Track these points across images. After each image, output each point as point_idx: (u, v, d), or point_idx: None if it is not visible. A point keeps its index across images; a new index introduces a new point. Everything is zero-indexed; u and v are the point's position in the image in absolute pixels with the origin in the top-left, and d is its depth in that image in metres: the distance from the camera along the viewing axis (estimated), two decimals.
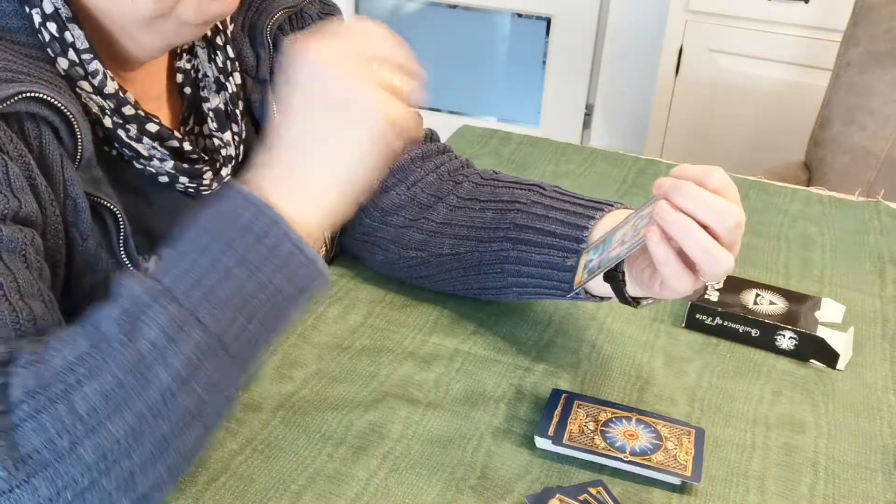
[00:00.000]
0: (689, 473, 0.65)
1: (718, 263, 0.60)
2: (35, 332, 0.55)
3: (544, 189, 0.81)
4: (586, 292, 0.74)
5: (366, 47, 0.59)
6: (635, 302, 0.71)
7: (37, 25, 0.64)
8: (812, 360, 0.82)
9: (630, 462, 0.65)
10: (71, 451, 0.49)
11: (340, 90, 0.56)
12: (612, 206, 0.76)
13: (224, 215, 0.55)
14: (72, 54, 0.65)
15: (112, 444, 0.50)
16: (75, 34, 0.65)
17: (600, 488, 0.63)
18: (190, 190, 0.74)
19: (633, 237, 0.64)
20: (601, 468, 0.66)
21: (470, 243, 0.81)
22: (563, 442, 0.67)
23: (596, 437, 0.68)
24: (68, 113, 0.62)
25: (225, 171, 0.77)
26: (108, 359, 0.51)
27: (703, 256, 0.60)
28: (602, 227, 0.73)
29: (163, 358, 0.51)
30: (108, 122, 0.68)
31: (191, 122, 0.78)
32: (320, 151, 0.57)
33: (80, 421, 0.50)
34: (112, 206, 0.66)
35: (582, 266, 0.70)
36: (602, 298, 0.74)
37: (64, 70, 0.65)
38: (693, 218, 0.60)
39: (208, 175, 0.75)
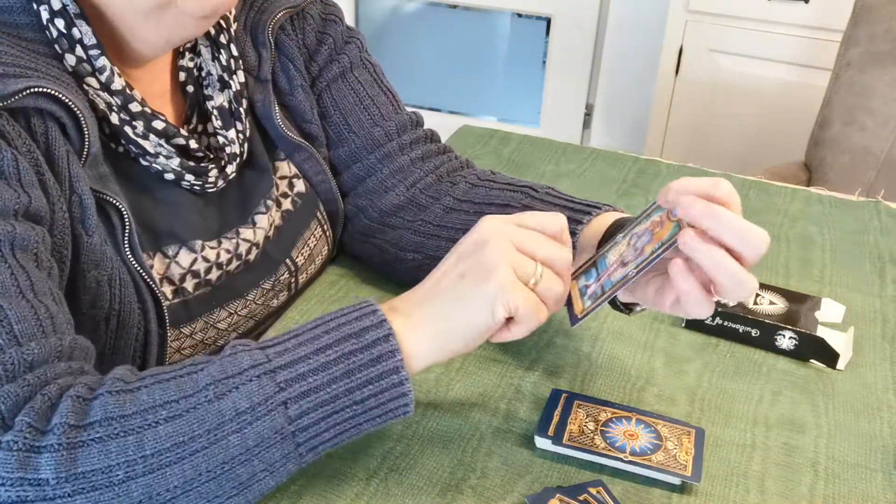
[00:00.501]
0: (689, 473, 0.65)
1: (745, 287, 0.59)
2: (53, 329, 0.56)
3: (536, 191, 0.81)
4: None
5: (534, 240, 0.61)
6: (627, 309, 0.71)
7: (44, 22, 0.64)
8: (812, 360, 0.82)
9: (630, 462, 0.65)
10: (122, 483, 0.51)
11: (480, 255, 0.60)
12: (600, 208, 0.76)
13: (352, 325, 0.58)
14: (79, 50, 0.65)
15: (162, 490, 0.52)
16: (83, 30, 0.65)
17: (600, 488, 0.63)
18: (195, 188, 0.75)
19: (636, 256, 0.62)
20: (601, 468, 0.66)
21: None
22: (564, 442, 0.67)
23: (596, 437, 0.68)
24: (76, 108, 0.62)
25: (230, 169, 0.77)
26: (192, 410, 0.53)
27: (731, 283, 0.58)
28: (592, 230, 0.73)
29: (240, 428, 0.53)
30: (114, 118, 0.68)
31: (194, 120, 0.78)
32: (440, 303, 0.60)
33: (143, 459, 0.51)
34: (117, 203, 0.67)
35: (577, 293, 0.67)
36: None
37: (71, 66, 0.66)
38: (721, 244, 0.58)
39: (213, 173, 0.75)
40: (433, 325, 0.59)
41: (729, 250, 0.58)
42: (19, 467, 0.50)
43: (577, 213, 0.75)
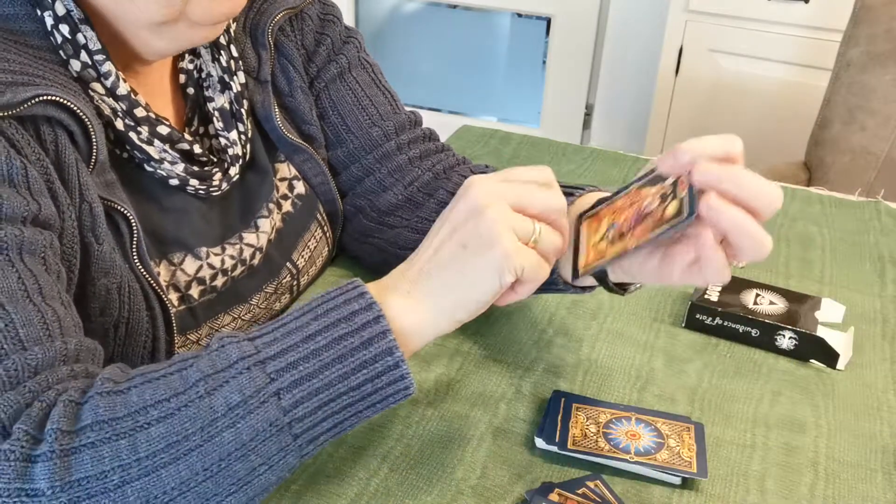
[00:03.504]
0: (694, 470, 0.65)
1: (765, 247, 0.57)
2: (60, 332, 0.56)
3: None
4: (570, 284, 0.73)
5: (527, 196, 0.59)
6: (621, 289, 0.70)
7: (49, 28, 0.64)
8: (812, 360, 0.82)
9: (636, 463, 0.65)
10: (118, 488, 0.50)
11: (478, 223, 0.57)
12: (583, 189, 0.74)
13: (340, 310, 0.56)
14: (84, 56, 0.65)
15: (158, 493, 0.51)
16: (88, 35, 0.65)
17: (598, 482, 0.63)
18: (200, 192, 0.75)
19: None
20: (602, 468, 0.66)
21: None
22: (568, 447, 0.67)
23: (599, 439, 0.68)
24: (83, 116, 0.62)
25: (233, 171, 0.77)
26: (183, 409, 0.52)
27: (752, 245, 0.57)
28: (577, 208, 0.71)
29: (234, 423, 0.52)
30: (119, 124, 0.68)
31: (195, 122, 0.78)
32: (442, 276, 0.58)
33: (137, 462, 0.50)
34: (125, 211, 0.66)
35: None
36: (584, 289, 0.73)
37: (76, 72, 0.65)
38: (743, 205, 0.56)
39: (217, 176, 0.75)
40: (437, 299, 0.58)
41: (749, 211, 0.56)
42: (17, 477, 0.49)
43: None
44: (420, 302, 0.58)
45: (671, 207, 0.59)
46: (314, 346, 0.55)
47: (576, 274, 0.65)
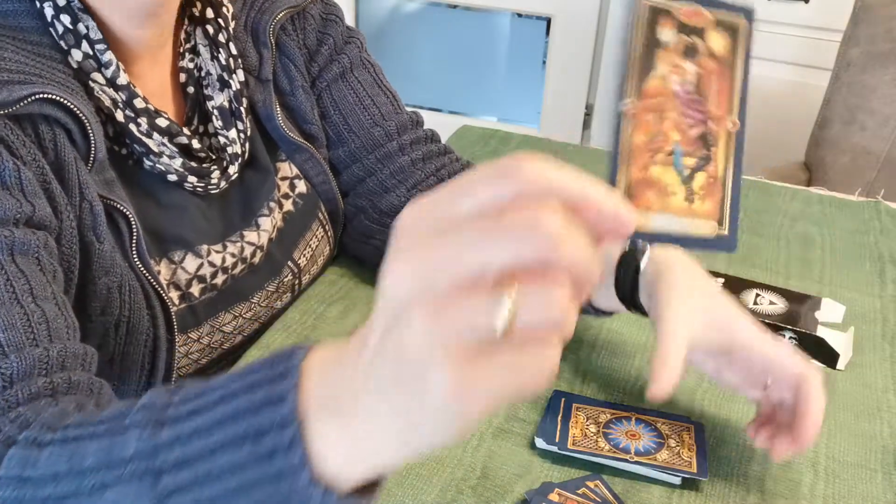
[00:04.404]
0: (694, 470, 0.65)
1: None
2: (48, 335, 0.55)
3: None
4: (593, 308, 0.74)
5: (481, 260, 0.32)
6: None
7: (49, 19, 0.64)
8: (812, 361, 0.82)
9: (636, 463, 0.65)
10: None
11: (400, 342, 0.34)
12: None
13: (260, 419, 0.40)
14: (85, 46, 0.65)
15: None
16: (89, 25, 0.65)
17: (598, 482, 0.64)
18: (198, 189, 0.75)
19: None
20: (602, 468, 0.66)
21: None
22: (569, 447, 0.67)
23: (599, 439, 0.68)
24: (80, 113, 0.62)
25: (232, 169, 0.77)
26: (70, 498, 0.44)
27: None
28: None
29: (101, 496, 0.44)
30: (119, 115, 0.68)
31: (195, 121, 0.78)
32: (376, 406, 0.36)
33: None
34: (124, 210, 0.66)
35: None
36: (606, 313, 0.75)
37: (77, 62, 0.65)
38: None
39: (216, 174, 0.75)
40: (374, 427, 0.36)
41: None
42: None
43: None
44: (355, 427, 0.37)
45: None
46: (219, 464, 0.41)
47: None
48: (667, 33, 0.38)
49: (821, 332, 0.81)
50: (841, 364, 0.81)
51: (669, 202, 0.38)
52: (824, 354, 0.81)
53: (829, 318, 0.86)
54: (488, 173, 0.34)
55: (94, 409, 0.51)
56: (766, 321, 0.82)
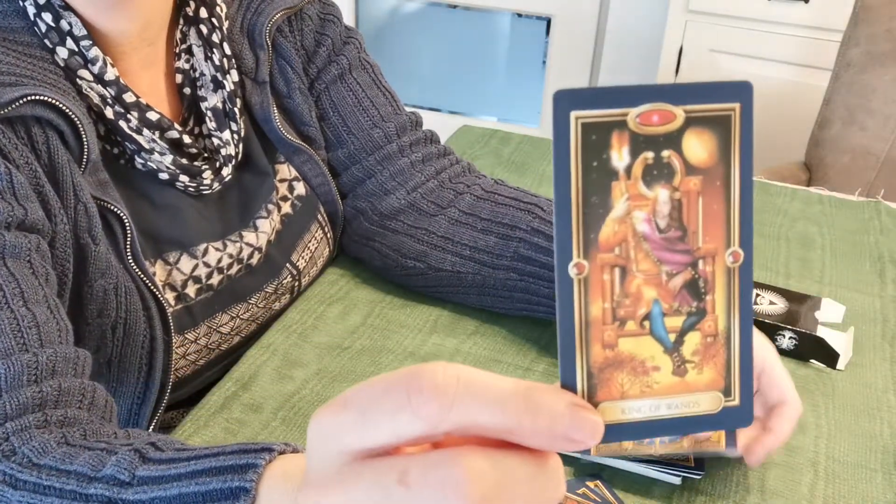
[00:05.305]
0: (723, 447, 0.63)
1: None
2: (38, 339, 0.54)
3: (543, 210, 0.81)
4: None
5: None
6: None
7: (32, 17, 0.63)
8: (812, 360, 0.82)
9: (636, 462, 0.65)
10: None
11: None
12: None
13: None
14: (70, 42, 0.65)
15: None
16: (71, 21, 0.64)
17: (598, 482, 0.63)
18: (190, 189, 0.74)
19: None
20: (602, 468, 0.66)
21: (472, 265, 0.82)
22: (592, 454, 0.66)
23: None
24: (72, 115, 0.62)
25: (226, 171, 0.77)
26: None
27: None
28: None
29: None
30: (109, 112, 0.67)
31: (191, 122, 0.78)
32: None
33: None
34: (118, 211, 0.66)
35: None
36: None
37: (64, 60, 0.65)
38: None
39: (208, 174, 0.75)
40: None
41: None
42: None
43: None
44: None
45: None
46: None
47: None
48: (619, 155, 0.28)
49: (821, 332, 0.81)
50: (841, 364, 0.81)
51: (651, 382, 0.30)
52: (824, 354, 0.81)
53: (829, 318, 0.86)
54: (394, 397, 0.27)
55: (78, 433, 0.51)
56: (766, 321, 0.82)
